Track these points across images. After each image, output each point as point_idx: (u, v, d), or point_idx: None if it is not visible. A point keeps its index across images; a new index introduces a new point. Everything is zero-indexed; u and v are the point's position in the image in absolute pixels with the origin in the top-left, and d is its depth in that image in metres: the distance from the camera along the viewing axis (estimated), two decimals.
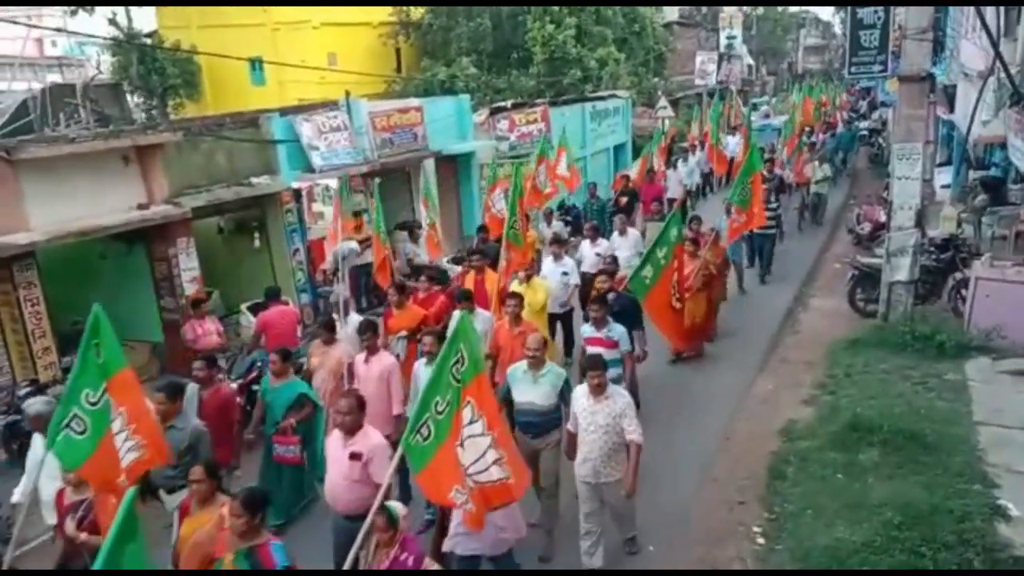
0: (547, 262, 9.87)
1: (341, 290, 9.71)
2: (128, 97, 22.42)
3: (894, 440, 7.10)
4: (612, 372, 6.53)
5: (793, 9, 58.43)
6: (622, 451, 5.72)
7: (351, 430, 5.35)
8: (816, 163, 17.34)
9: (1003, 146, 12.54)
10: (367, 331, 7.09)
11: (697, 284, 9.55)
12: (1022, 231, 11.45)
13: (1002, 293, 9.32)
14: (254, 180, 11.83)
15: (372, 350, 7.00)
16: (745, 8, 44.92)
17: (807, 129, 23.17)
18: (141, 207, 10.23)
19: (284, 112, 13.26)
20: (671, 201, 16.74)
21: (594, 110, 21.23)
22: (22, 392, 8.25)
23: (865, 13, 10.83)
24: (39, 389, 8.44)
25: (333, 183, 12.41)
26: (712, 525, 6.64)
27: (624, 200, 15.31)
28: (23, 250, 8.87)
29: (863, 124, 33.96)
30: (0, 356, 9.06)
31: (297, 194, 12.28)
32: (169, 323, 10.78)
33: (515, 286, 8.67)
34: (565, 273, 9.59)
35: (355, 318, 8.49)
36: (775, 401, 8.97)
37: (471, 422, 4.48)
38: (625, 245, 11.00)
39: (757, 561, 6.10)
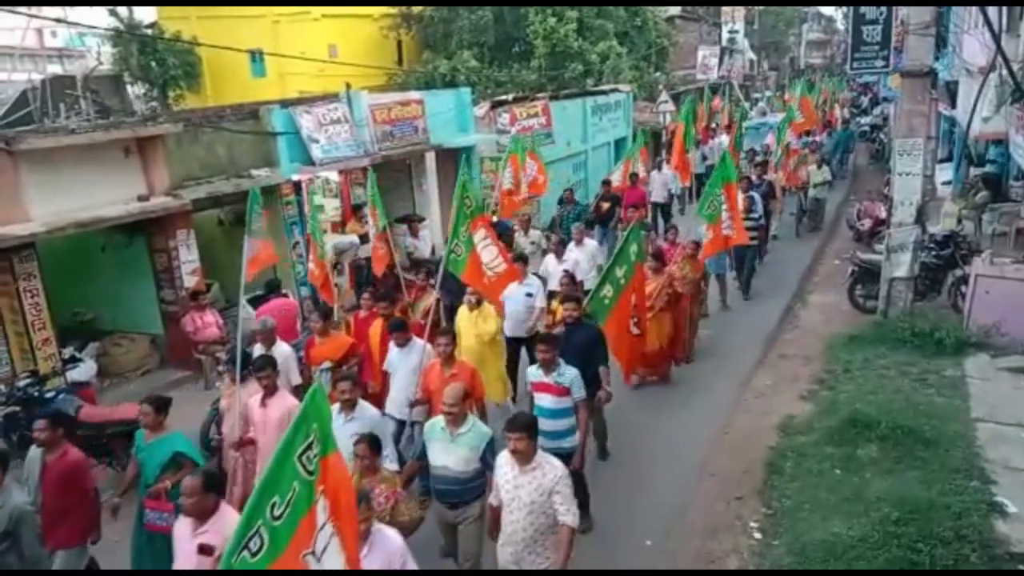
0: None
1: (342, 282, 9.73)
2: (128, 88, 22.40)
3: (892, 436, 7.12)
4: (563, 423, 5.98)
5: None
6: (553, 534, 4.65)
7: (200, 514, 4.40)
8: (815, 166, 16.69)
9: (1001, 142, 12.54)
10: (265, 368, 6.08)
11: (660, 304, 8.91)
12: (1022, 228, 11.46)
13: (1002, 290, 9.33)
14: (254, 172, 11.81)
15: (270, 390, 6.09)
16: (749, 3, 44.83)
17: (803, 132, 21.41)
18: (141, 199, 10.22)
19: (284, 104, 13.22)
20: (657, 206, 16.50)
21: (595, 104, 21.18)
22: (21, 383, 8.25)
23: (868, 8, 10.82)
24: (38, 380, 8.46)
25: (333, 176, 12.40)
26: (709, 519, 6.65)
27: (605, 206, 14.48)
28: (23, 241, 8.86)
29: (864, 120, 33.89)
30: (0, 347, 9.07)
31: (297, 186, 12.27)
32: (169, 315, 10.79)
33: (463, 313, 8.03)
34: (530, 295, 8.45)
35: (284, 349, 7.50)
36: (773, 396, 8.99)
37: (323, 525, 3.43)
38: (583, 258, 10.04)
39: (754, 556, 6.12)
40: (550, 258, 9.94)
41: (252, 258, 7.80)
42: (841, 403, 8.16)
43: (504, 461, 4.73)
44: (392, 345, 6.99)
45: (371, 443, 5.11)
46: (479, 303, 7.90)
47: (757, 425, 8.26)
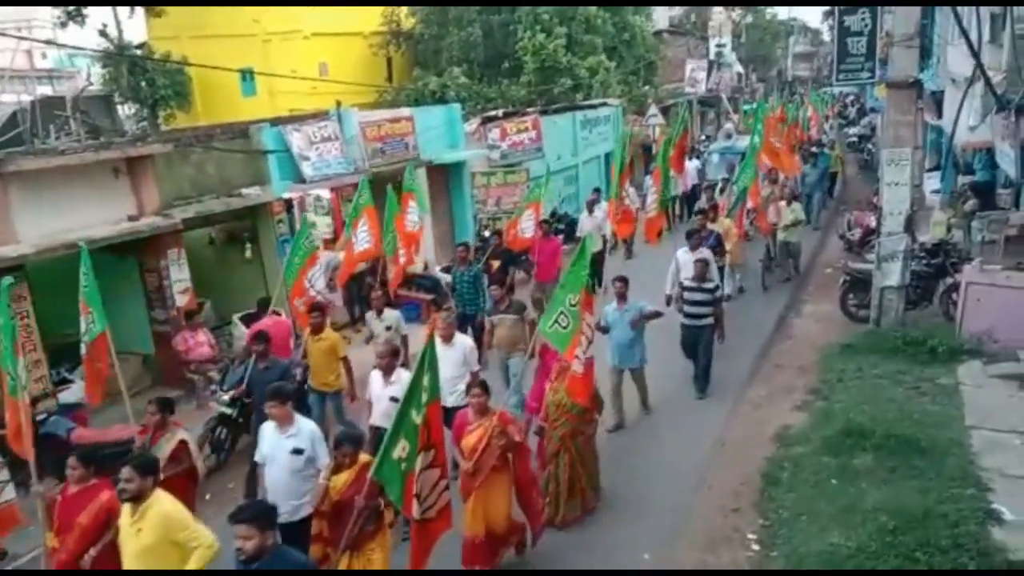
0: (374, 375, 7.01)
1: (335, 299, 9.72)
2: (119, 108, 22.36)
3: (887, 445, 7.13)
4: None
5: (782, 16, 58.82)
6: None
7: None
8: (784, 203, 13.56)
9: (989, 151, 12.63)
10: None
11: (490, 461, 5.77)
12: (1011, 235, 11.53)
13: (993, 297, 9.37)
14: (245, 191, 11.79)
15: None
16: (734, 16, 45.17)
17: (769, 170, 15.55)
18: (131, 219, 10.19)
19: (275, 122, 13.23)
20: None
21: (585, 118, 21.31)
22: None
23: (852, 20, 10.93)
24: (30, 403, 8.37)
25: (325, 193, 12.40)
26: (707, 532, 6.63)
27: (496, 264, 11.69)
28: (13, 263, 8.80)
29: (852, 130, 34.15)
30: None
31: (288, 204, 12.25)
32: (160, 335, 10.72)
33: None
34: (394, 398, 6.37)
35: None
36: (768, 407, 8.99)
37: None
38: (449, 361, 7.05)
39: (752, 567, 6.09)
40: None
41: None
42: (836, 413, 8.16)
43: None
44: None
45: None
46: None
47: (753, 436, 8.25)
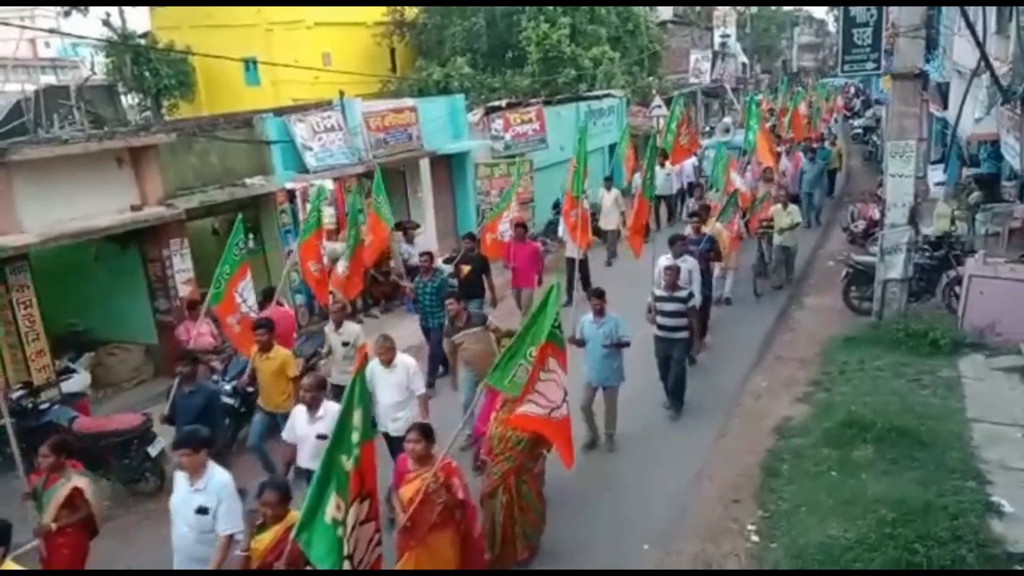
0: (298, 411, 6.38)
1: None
2: (122, 98, 22.34)
3: (888, 437, 7.13)
4: None
5: (787, 8, 58.53)
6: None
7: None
8: (780, 205, 12.81)
9: (994, 143, 12.58)
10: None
11: (429, 517, 5.14)
12: (1015, 228, 11.49)
13: (996, 290, 9.35)
14: (248, 181, 11.80)
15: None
16: (739, 7, 44.97)
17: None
18: (135, 208, 10.20)
19: (278, 112, 13.22)
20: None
21: (589, 109, 21.22)
22: (15, 395, 8.21)
23: (858, 11, 10.87)
24: (33, 392, 8.42)
25: (328, 183, 12.40)
26: (707, 523, 6.65)
27: (466, 270, 10.69)
28: (16, 252, 8.83)
29: (857, 122, 34.01)
30: None
31: (291, 195, 12.25)
32: (163, 325, 10.75)
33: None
34: (322, 436, 5.75)
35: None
36: (769, 399, 9.00)
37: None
38: (390, 385, 6.76)
39: (752, 559, 6.11)
40: (327, 328, 7.72)
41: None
42: (837, 405, 8.16)
43: None
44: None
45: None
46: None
47: (754, 428, 8.26)
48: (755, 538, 6.34)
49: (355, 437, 4.13)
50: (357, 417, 4.14)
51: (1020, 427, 7.38)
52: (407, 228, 13.81)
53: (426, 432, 5.31)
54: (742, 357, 10.23)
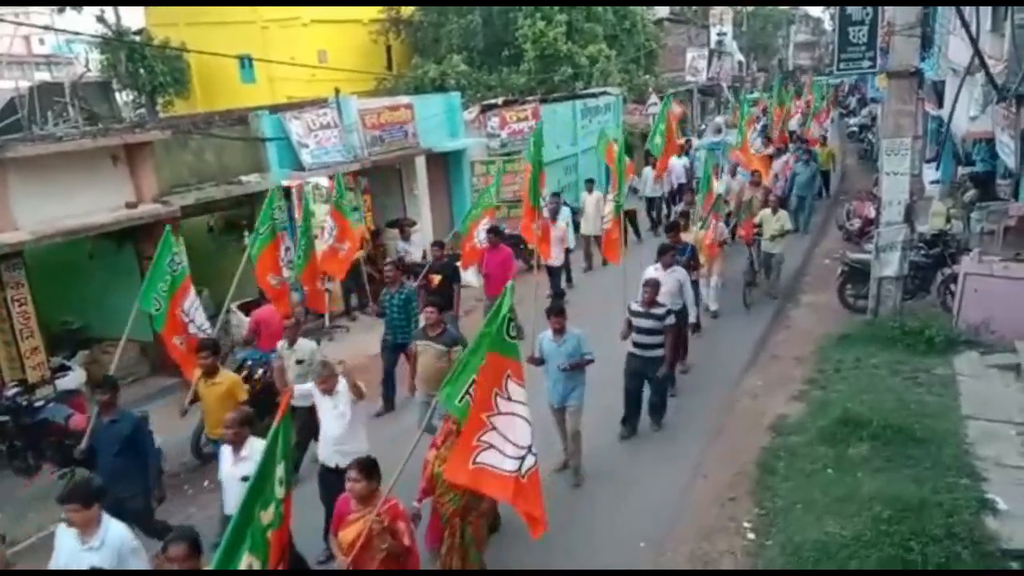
0: (224, 452, 5.90)
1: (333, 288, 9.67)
2: (117, 95, 22.26)
3: (883, 435, 7.15)
4: None
5: (783, 6, 58.54)
6: None
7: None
8: (769, 211, 12.31)
9: (989, 141, 12.60)
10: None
11: (371, 563, 4.63)
12: (1011, 226, 11.50)
13: (991, 288, 9.37)
14: (243, 178, 11.77)
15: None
16: (736, 6, 44.99)
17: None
18: (130, 206, 10.17)
19: (274, 109, 13.19)
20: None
21: (585, 107, 21.21)
22: (10, 393, 8.19)
23: (854, 9, 10.87)
24: (27, 389, 8.40)
25: (324, 181, 12.37)
26: (703, 521, 6.66)
27: (437, 280, 10.23)
28: (11, 249, 8.80)
29: (853, 120, 34.06)
30: None
31: (287, 192, 12.23)
32: None
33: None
34: (246, 478, 5.02)
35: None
36: (765, 397, 9.01)
37: None
38: (329, 415, 6.25)
39: (748, 556, 6.13)
40: (282, 344, 7.56)
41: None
42: (833, 403, 8.18)
43: None
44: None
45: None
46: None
47: (749, 426, 8.28)
48: (751, 536, 6.36)
49: (280, 491, 3.63)
50: (281, 469, 3.67)
51: (1014, 424, 7.40)
52: (404, 226, 13.79)
53: (368, 469, 4.67)
54: (737, 355, 10.24)
